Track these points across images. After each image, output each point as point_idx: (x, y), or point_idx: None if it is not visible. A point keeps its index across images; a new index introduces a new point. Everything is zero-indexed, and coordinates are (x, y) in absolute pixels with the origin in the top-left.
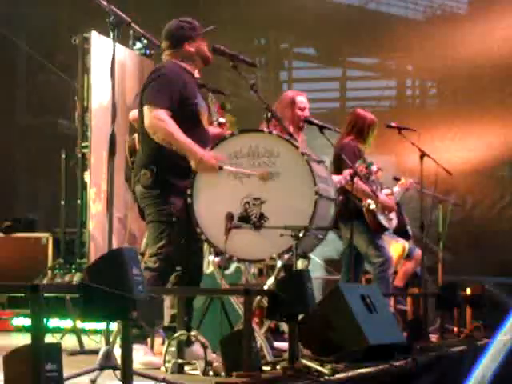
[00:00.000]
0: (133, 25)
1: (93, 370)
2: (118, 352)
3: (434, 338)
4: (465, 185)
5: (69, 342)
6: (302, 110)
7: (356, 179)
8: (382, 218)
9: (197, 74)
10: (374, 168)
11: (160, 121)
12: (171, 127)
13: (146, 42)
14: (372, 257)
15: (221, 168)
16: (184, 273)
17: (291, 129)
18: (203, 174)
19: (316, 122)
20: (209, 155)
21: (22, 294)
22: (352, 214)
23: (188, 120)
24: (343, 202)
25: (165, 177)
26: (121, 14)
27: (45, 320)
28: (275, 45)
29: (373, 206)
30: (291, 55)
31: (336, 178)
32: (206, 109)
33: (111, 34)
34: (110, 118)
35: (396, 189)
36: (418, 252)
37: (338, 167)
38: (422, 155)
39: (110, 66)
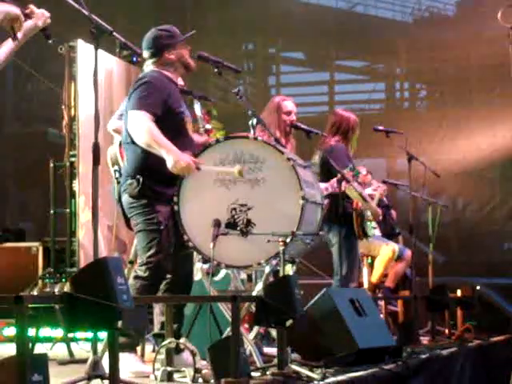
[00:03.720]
0: (115, 34)
1: (80, 380)
2: (107, 361)
3: (424, 340)
4: (455, 186)
5: (59, 351)
6: (288, 114)
7: (344, 183)
8: (368, 226)
9: (181, 81)
10: (363, 172)
11: (141, 122)
12: (151, 128)
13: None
14: (338, 265)
15: (198, 168)
16: (174, 280)
17: (278, 134)
18: (189, 181)
19: (302, 126)
20: (186, 156)
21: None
22: (340, 219)
23: (173, 129)
24: (329, 206)
25: (151, 186)
26: (102, 23)
27: (34, 330)
28: (263, 50)
29: (367, 213)
30: (279, 60)
31: (323, 185)
32: (190, 116)
33: (94, 43)
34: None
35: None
36: (408, 253)
37: (327, 170)
38: (410, 158)
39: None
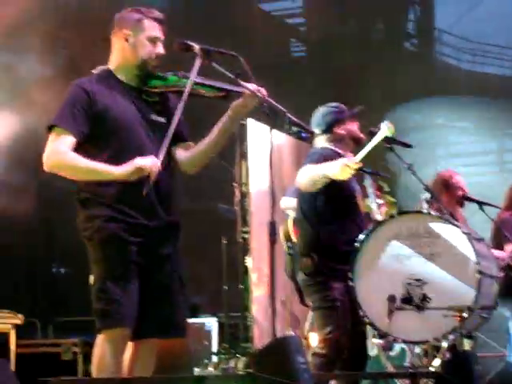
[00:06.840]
0: (288, 114)
1: None
2: None
3: None
4: None
5: None
6: (460, 188)
7: None
8: None
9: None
10: None
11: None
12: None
13: None
14: None
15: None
16: (349, 356)
17: (452, 208)
18: (364, 257)
19: (475, 198)
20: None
21: None
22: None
23: (344, 205)
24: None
25: (326, 263)
26: (276, 104)
27: None
28: (429, 119)
29: None
30: (448, 130)
31: (499, 253)
32: (360, 192)
33: (269, 124)
34: (269, 204)
35: None
36: None
37: (498, 243)
38: None
39: (266, 152)
